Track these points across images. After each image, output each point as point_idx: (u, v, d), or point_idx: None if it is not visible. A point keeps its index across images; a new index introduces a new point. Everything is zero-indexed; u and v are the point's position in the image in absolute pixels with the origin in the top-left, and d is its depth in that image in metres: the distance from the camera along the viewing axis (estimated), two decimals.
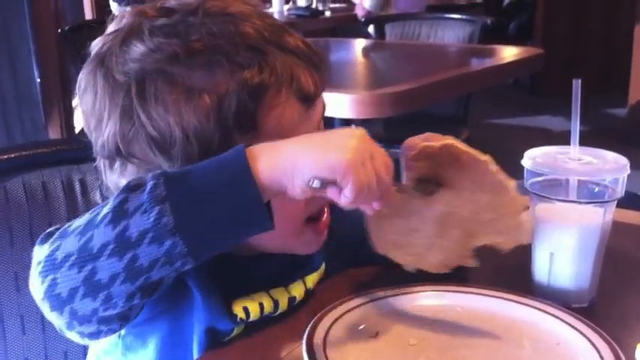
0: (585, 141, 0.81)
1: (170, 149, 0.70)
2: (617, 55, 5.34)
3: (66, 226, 0.66)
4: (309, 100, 0.74)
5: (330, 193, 0.65)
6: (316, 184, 0.64)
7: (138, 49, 0.71)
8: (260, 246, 0.79)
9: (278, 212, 0.65)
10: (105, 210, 0.63)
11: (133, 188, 0.63)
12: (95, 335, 0.69)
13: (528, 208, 0.75)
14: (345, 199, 0.65)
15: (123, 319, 0.68)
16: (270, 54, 0.71)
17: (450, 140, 0.75)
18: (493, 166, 0.74)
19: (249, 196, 0.62)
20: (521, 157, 0.82)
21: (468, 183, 0.74)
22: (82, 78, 0.75)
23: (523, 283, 0.84)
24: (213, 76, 0.69)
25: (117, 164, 0.74)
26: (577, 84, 0.82)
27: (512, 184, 0.74)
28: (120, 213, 0.62)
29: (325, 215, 0.81)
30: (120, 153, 0.72)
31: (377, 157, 0.67)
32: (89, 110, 0.74)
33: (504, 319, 0.76)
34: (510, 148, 1.52)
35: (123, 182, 0.73)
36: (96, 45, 0.75)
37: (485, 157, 0.74)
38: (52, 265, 0.63)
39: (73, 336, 0.70)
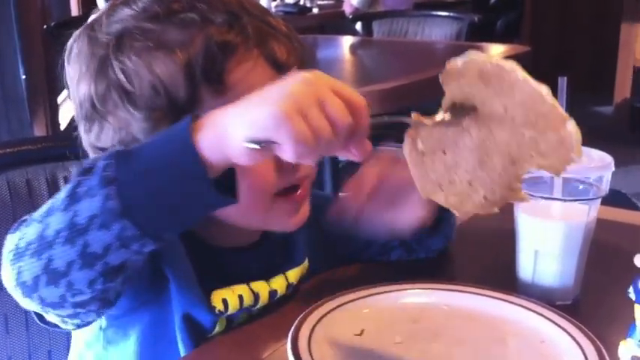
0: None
1: (138, 100, 0.72)
2: (604, 53, 5.37)
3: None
4: (281, 67, 0.75)
5: (277, 152, 0.59)
6: (252, 145, 0.58)
7: (124, 12, 0.75)
8: (230, 220, 0.78)
9: (241, 183, 0.63)
10: (60, 195, 0.62)
11: (86, 171, 0.62)
12: (74, 317, 0.69)
13: (570, 117, 0.64)
14: (285, 155, 0.58)
15: (101, 302, 0.67)
16: (244, 18, 0.74)
17: (471, 55, 0.66)
18: (520, 73, 0.63)
19: (193, 172, 0.59)
20: None
21: (498, 99, 0.65)
22: (71, 42, 0.78)
23: (508, 281, 0.84)
24: (186, 33, 0.72)
25: (95, 126, 0.75)
26: (562, 81, 0.82)
27: (545, 89, 0.63)
28: (71, 198, 0.61)
29: (303, 189, 0.79)
30: (95, 109, 0.74)
31: (330, 99, 0.58)
32: (73, 71, 0.77)
33: (489, 317, 0.76)
34: None
35: (99, 146, 0.75)
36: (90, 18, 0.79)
37: (510, 63, 0.64)
38: (17, 253, 0.63)
39: (53, 319, 0.70)
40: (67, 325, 0.72)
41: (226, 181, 0.62)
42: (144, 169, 0.60)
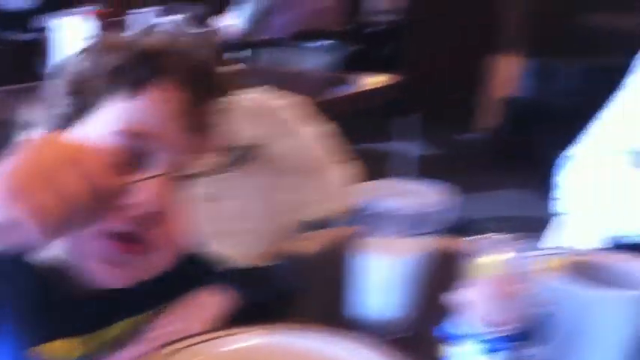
0: (436, 166, 0.83)
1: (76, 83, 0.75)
2: (471, 84, 5.64)
3: None
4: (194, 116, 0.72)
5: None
6: None
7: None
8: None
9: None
10: None
11: None
12: None
13: (337, 162, 0.65)
14: (29, 236, 0.54)
15: None
16: (190, 55, 0.75)
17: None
18: (289, 112, 0.65)
19: None
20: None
21: (274, 141, 0.66)
22: None
23: (343, 317, 0.84)
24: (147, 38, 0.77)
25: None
26: (416, 120, 0.85)
27: (310, 131, 0.65)
28: None
29: (140, 246, 0.73)
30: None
31: (84, 159, 0.55)
32: None
33: (324, 356, 0.75)
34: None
35: None
36: None
37: (281, 101, 0.64)
38: None
39: None
40: None
41: None
42: None
